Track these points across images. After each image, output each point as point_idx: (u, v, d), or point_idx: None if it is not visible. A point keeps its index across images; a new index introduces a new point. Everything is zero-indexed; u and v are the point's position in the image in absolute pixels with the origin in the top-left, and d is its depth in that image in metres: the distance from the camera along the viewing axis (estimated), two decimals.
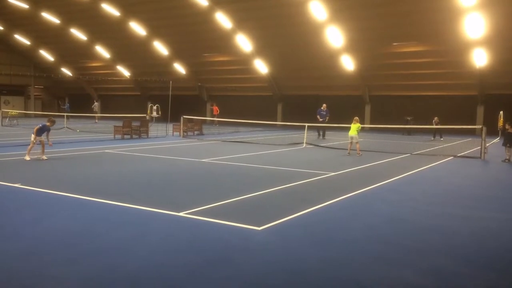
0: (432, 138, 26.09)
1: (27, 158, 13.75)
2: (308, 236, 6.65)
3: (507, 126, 16.37)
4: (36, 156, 14.05)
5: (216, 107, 38.73)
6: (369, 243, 6.39)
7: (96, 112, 41.75)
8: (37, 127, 14.04)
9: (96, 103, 43.88)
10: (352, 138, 17.27)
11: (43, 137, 14.15)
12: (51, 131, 14.49)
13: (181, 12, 33.30)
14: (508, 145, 16.10)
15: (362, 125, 18.46)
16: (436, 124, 25.80)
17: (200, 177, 11.72)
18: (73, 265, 5.28)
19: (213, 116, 37.30)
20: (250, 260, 5.61)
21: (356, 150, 17.16)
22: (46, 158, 13.99)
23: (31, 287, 4.70)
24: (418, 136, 27.36)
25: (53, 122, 14.51)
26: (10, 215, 7.57)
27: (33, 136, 13.95)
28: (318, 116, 24.32)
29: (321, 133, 25.22)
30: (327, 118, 24.42)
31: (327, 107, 24.72)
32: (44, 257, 5.55)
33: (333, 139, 24.53)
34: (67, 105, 46.69)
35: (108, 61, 44.25)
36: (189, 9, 32.32)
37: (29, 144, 14.03)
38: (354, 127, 17.33)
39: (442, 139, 25.85)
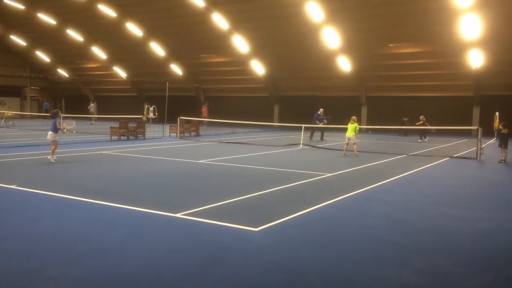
0: (420, 140, 25.25)
1: (52, 158, 13.49)
2: (305, 237, 6.65)
3: (500, 127, 16.44)
4: (53, 156, 13.70)
5: (205, 109, 38.73)
6: (366, 243, 6.40)
7: (92, 113, 41.59)
8: (58, 123, 13.86)
9: (92, 104, 43.73)
10: (349, 139, 17.20)
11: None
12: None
13: (177, 13, 33.28)
14: (503, 145, 16.17)
15: (359, 126, 18.38)
16: (421, 123, 25.13)
17: (197, 178, 11.71)
18: (69, 266, 5.27)
19: (202, 118, 37.20)
20: (247, 261, 5.61)
21: (352, 150, 17.15)
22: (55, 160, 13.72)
23: None
24: (415, 137, 27.39)
25: (57, 114, 14.45)
26: (6, 216, 7.54)
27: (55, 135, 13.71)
28: (317, 122, 24.22)
29: (316, 135, 25.13)
30: (325, 121, 24.38)
31: (324, 111, 24.75)
32: (41, 258, 5.54)
33: (330, 140, 24.54)
34: (46, 104, 46.72)
35: (105, 62, 44.16)
36: (186, 10, 32.30)
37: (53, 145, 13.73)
38: (352, 127, 17.21)
39: (426, 139, 25.14)
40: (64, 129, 14.10)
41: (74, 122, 15.87)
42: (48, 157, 13.61)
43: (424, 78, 31.56)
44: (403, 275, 5.26)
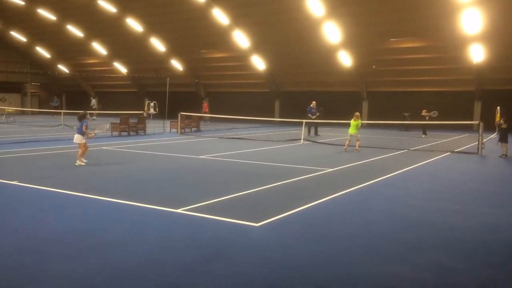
0: (423, 136, 24.91)
1: (81, 163, 12.37)
2: (305, 232, 6.66)
3: (501, 121, 16.43)
4: (81, 160, 12.58)
5: (206, 104, 38.67)
6: (367, 238, 6.40)
7: (95, 109, 41.19)
8: (85, 125, 12.53)
9: (94, 100, 43.25)
10: (351, 136, 17.13)
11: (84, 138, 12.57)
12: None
13: (178, 9, 33.20)
14: (503, 140, 16.15)
15: (361, 122, 18.28)
16: (425, 117, 24.48)
17: (198, 173, 11.71)
18: (70, 262, 5.28)
19: (202, 113, 37.05)
20: (247, 256, 5.61)
21: (353, 146, 17.10)
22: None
23: (29, 284, 4.70)
24: (416, 132, 27.38)
25: (85, 116, 12.95)
26: (8, 212, 7.56)
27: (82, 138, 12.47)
28: (309, 115, 23.94)
29: (312, 130, 24.81)
30: (317, 114, 24.01)
31: (316, 104, 24.43)
32: (42, 254, 5.54)
33: (330, 135, 24.52)
34: (55, 101, 46.61)
35: (105, 57, 44.10)
36: (186, 5, 32.22)
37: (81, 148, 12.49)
38: (354, 124, 17.14)
39: (425, 135, 24.78)
40: (91, 134, 12.90)
41: (107, 125, 14.68)
42: (76, 162, 12.32)
43: (425, 73, 31.49)
44: (404, 270, 5.26)
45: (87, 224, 6.86)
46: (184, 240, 6.20)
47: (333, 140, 21.17)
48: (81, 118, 12.82)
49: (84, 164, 12.43)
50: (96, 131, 13.46)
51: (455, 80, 31.16)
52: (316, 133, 24.52)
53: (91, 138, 13.18)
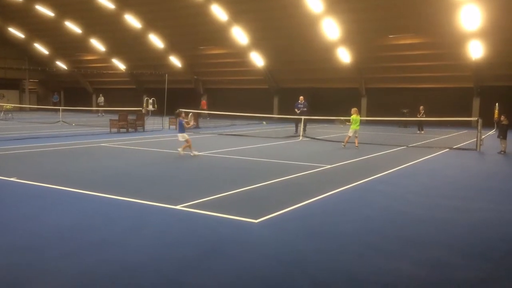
0: (418, 132, 25.33)
1: (196, 152, 13.96)
2: (304, 228, 6.66)
3: (502, 118, 16.44)
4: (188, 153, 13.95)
5: (204, 101, 38.60)
6: (366, 235, 6.41)
7: (103, 106, 40.56)
8: (184, 122, 14.20)
9: (102, 97, 42.36)
10: (355, 132, 17.05)
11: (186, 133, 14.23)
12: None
13: (176, 5, 33.11)
14: (501, 136, 16.17)
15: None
16: (421, 114, 24.84)
17: (197, 170, 11.72)
18: (69, 259, 5.28)
19: (201, 110, 36.80)
20: (246, 252, 5.62)
21: (352, 142, 17.09)
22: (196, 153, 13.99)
23: (28, 282, 4.70)
24: (415, 129, 27.37)
25: (180, 114, 14.59)
26: (6, 209, 7.55)
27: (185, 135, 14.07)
28: (296, 110, 23.47)
29: (299, 126, 24.20)
30: (304, 109, 23.30)
31: (304, 99, 23.87)
32: (41, 251, 5.54)
33: (329, 131, 24.52)
34: (55, 97, 46.49)
35: (103, 54, 43.98)
36: (185, 1, 32.12)
37: (184, 144, 14.04)
38: (358, 119, 17.08)
39: (422, 132, 25.14)
40: (190, 123, 14.70)
41: (189, 114, 16.43)
42: (192, 153, 13.83)
43: (424, 69, 31.46)
44: (403, 266, 5.27)
45: (86, 221, 6.86)
46: (183, 236, 6.21)
47: (332, 137, 21.17)
48: (177, 116, 14.60)
49: (199, 154, 13.86)
50: (190, 122, 15.06)
51: (454, 77, 31.14)
52: (295, 131, 23.75)
53: (190, 127, 15.21)
